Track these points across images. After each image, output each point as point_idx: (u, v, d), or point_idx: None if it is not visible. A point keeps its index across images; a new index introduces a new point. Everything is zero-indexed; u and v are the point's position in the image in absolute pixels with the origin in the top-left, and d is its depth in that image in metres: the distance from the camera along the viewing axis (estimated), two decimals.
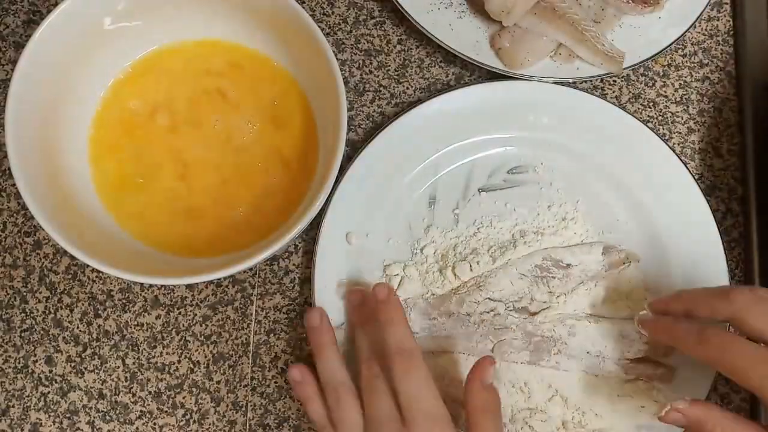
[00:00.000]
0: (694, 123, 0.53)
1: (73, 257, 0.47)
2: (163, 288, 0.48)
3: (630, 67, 0.50)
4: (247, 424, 0.46)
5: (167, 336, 0.47)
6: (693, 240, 0.48)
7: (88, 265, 0.46)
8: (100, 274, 0.48)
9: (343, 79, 0.42)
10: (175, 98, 0.47)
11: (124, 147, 0.46)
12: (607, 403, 0.45)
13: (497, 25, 0.51)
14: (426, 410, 0.38)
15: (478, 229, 0.48)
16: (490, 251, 0.47)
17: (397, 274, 0.47)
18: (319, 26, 0.42)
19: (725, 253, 0.48)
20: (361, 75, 0.52)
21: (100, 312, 0.48)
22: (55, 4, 0.42)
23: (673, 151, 0.49)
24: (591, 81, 0.52)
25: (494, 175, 0.49)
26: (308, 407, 0.42)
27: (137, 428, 0.46)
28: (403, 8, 0.49)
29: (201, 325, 0.48)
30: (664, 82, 0.53)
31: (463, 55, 0.49)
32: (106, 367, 0.47)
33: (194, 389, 0.47)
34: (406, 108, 0.49)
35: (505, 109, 0.49)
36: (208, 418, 0.46)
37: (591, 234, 0.48)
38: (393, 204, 0.48)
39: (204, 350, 0.47)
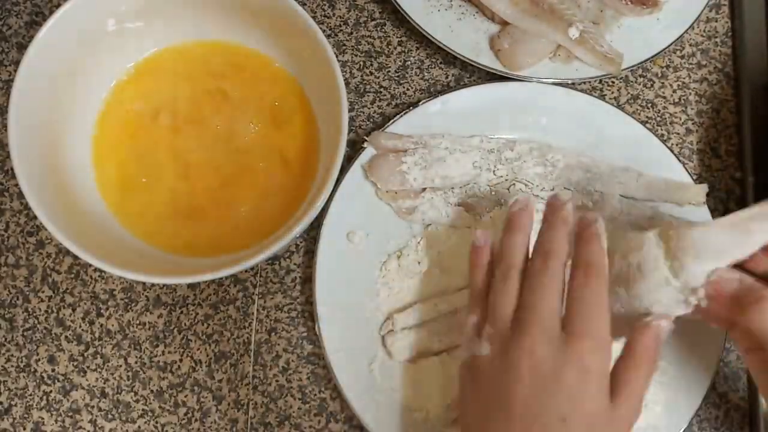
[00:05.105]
0: (693, 124, 0.53)
1: (75, 257, 0.47)
2: (165, 287, 0.48)
3: (629, 68, 0.50)
4: (249, 423, 0.47)
5: (169, 335, 0.48)
6: None
7: (90, 265, 0.46)
8: (103, 274, 0.48)
9: (344, 80, 0.43)
10: (177, 99, 0.47)
11: (126, 147, 0.46)
12: None
13: (497, 26, 0.51)
14: (595, 330, 0.36)
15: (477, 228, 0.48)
16: None
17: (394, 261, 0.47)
18: (320, 28, 0.42)
19: None
20: (361, 76, 0.52)
21: (102, 311, 0.48)
22: (58, 6, 0.42)
23: (672, 151, 0.49)
24: (590, 82, 0.53)
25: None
26: (474, 272, 0.41)
27: (139, 427, 0.47)
28: (403, 10, 0.50)
29: (203, 324, 0.48)
30: (663, 83, 0.54)
31: (463, 56, 0.49)
32: (108, 366, 0.47)
33: (196, 388, 0.47)
34: (406, 109, 0.49)
35: (504, 110, 0.49)
36: (209, 416, 0.47)
37: None
38: None
39: (206, 349, 0.48)
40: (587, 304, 0.36)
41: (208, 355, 0.47)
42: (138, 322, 0.48)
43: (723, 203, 0.52)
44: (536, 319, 0.36)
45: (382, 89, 0.52)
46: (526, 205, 0.41)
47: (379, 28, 0.53)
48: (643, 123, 0.50)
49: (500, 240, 0.41)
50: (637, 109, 0.53)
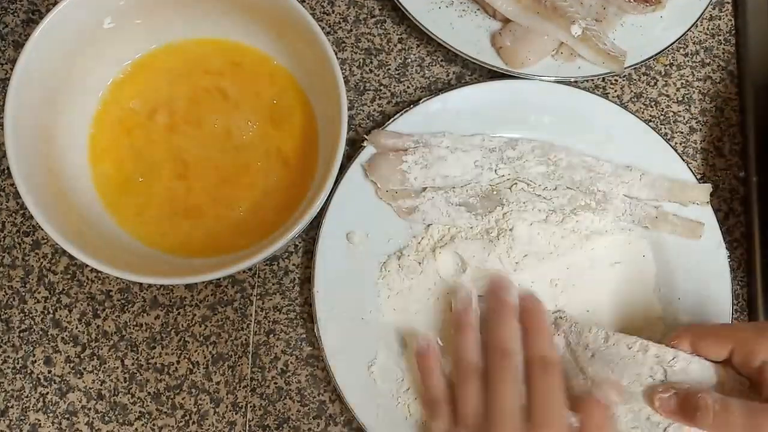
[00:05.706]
0: (696, 122, 0.53)
1: (72, 257, 0.47)
2: (162, 288, 0.48)
3: (632, 66, 0.50)
4: (247, 425, 0.46)
5: (166, 336, 0.47)
6: (695, 240, 0.48)
7: (87, 265, 0.46)
8: (99, 274, 0.48)
9: (344, 78, 0.42)
10: (175, 97, 0.47)
11: (123, 146, 0.46)
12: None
13: (498, 24, 0.50)
14: (552, 418, 0.38)
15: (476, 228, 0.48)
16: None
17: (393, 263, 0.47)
18: (319, 25, 0.42)
19: (727, 252, 0.47)
20: (361, 74, 0.52)
21: (99, 312, 0.47)
22: (55, 3, 0.41)
23: (675, 150, 0.49)
24: (593, 80, 0.52)
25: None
26: (428, 380, 0.42)
27: (136, 429, 0.46)
28: (403, 7, 0.49)
29: (200, 326, 0.47)
30: (666, 81, 0.53)
31: (464, 54, 0.49)
32: (105, 367, 0.47)
33: (193, 390, 0.47)
34: (406, 107, 0.48)
35: (506, 108, 0.49)
36: (207, 419, 0.46)
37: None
38: None
39: (203, 351, 0.47)
40: (545, 396, 0.39)
41: (205, 357, 0.47)
42: (135, 323, 0.47)
43: (727, 203, 0.51)
44: (502, 417, 0.38)
45: (382, 87, 0.52)
46: (469, 303, 0.43)
47: (379, 25, 0.53)
48: (647, 121, 0.49)
49: (453, 341, 0.42)
50: (641, 108, 0.52)
